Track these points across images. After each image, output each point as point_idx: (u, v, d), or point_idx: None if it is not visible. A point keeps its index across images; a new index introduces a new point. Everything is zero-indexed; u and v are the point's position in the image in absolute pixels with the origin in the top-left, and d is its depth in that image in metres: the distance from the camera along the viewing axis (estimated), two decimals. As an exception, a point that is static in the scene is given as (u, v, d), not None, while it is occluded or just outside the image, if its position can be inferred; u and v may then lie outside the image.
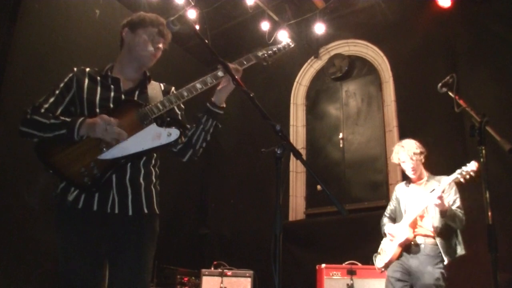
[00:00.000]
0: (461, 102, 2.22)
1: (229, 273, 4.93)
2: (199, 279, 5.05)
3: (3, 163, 4.28)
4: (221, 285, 4.84)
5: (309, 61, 6.77)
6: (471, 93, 4.64)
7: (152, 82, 2.51)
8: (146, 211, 2.14)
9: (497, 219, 1.86)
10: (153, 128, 2.11)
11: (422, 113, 5.37)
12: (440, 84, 2.42)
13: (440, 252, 3.21)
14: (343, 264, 4.50)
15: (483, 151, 1.94)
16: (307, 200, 6.27)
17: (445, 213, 3.17)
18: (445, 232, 3.25)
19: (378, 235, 5.14)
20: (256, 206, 6.08)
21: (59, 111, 2.10)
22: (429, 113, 5.25)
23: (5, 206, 4.21)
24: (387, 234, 3.50)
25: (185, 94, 2.29)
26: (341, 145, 6.12)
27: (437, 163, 5.03)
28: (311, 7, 6.14)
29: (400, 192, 3.62)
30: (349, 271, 4.37)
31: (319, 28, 6.11)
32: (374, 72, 6.15)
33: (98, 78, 2.30)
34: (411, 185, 3.59)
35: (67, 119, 1.99)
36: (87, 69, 2.36)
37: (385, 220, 3.69)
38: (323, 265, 4.47)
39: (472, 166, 3.12)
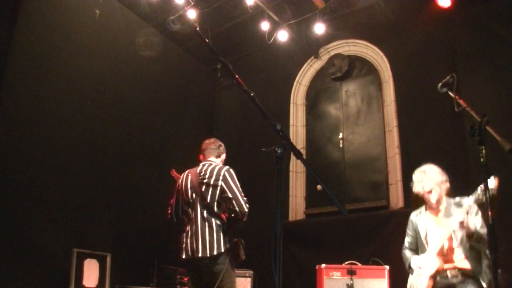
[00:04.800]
0: (461, 102, 2.22)
1: (229, 273, 4.93)
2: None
3: (3, 163, 4.28)
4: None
5: (309, 61, 6.77)
6: (471, 93, 4.65)
7: None
8: None
9: (497, 219, 1.86)
10: None
11: (422, 113, 5.37)
12: (440, 84, 2.42)
13: (474, 285, 2.99)
14: (343, 264, 4.50)
15: (483, 151, 1.94)
16: (307, 200, 6.27)
17: (472, 236, 2.94)
18: (476, 255, 3.01)
19: (378, 235, 5.15)
20: (256, 206, 6.07)
21: None
22: (429, 113, 5.25)
23: (5, 206, 4.21)
24: (414, 268, 3.23)
25: None
26: (341, 145, 6.12)
27: (436, 163, 5.04)
28: (311, 7, 6.14)
29: (416, 222, 3.35)
30: (349, 271, 4.37)
31: (319, 28, 6.11)
32: (374, 72, 6.15)
33: None
34: (430, 213, 3.31)
35: None
36: None
37: (407, 253, 3.37)
38: (323, 265, 4.47)
39: (492, 183, 2.76)
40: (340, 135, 6.16)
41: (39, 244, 4.37)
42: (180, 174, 3.85)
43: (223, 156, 3.72)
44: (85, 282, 4.58)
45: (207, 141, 3.72)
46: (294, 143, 6.16)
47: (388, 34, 5.95)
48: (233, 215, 3.32)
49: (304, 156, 6.17)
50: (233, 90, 7.21)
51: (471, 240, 2.94)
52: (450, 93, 2.35)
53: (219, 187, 3.33)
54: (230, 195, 3.29)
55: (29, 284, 4.29)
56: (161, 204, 4.68)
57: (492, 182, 2.78)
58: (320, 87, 6.68)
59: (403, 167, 5.40)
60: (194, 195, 3.42)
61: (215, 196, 3.33)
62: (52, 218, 4.59)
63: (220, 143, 3.73)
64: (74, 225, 4.77)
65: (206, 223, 3.29)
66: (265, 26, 6.13)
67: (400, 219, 4.94)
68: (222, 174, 3.37)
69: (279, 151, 1.85)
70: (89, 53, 5.29)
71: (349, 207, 5.60)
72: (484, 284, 2.94)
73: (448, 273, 3.05)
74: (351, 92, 6.31)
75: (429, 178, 3.21)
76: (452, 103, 2.25)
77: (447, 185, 3.24)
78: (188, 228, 3.39)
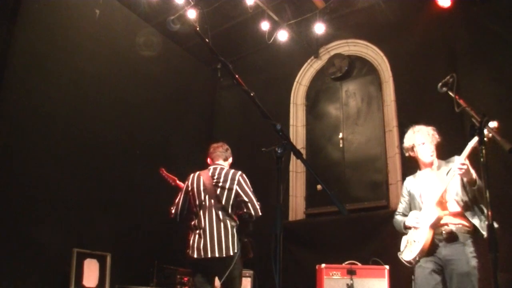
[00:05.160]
0: (461, 102, 2.23)
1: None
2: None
3: (3, 162, 4.28)
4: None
5: (309, 61, 6.77)
6: (471, 93, 4.65)
7: None
8: None
9: (497, 219, 1.86)
10: None
11: (422, 113, 5.36)
12: (440, 84, 2.42)
13: (471, 239, 2.94)
14: (343, 264, 4.50)
15: (483, 151, 1.94)
16: (307, 200, 6.27)
17: (474, 183, 2.88)
18: (475, 207, 2.98)
19: (378, 235, 5.15)
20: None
21: None
22: (429, 113, 5.25)
23: (5, 206, 4.21)
24: (411, 224, 3.16)
25: None
26: (341, 145, 6.12)
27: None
28: (311, 7, 6.14)
29: (411, 185, 3.36)
30: (349, 271, 4.37)
31: (319, 28, 6.11)
32: (374, 72, 6.15)
33: None
34: (423, 171, 3.32)
35: None
36: None
37: (399, 217, 3.37)
38: (323, 265, 4.47)
39: (492, 124, 2.52)
40: (340, 135, 6.16)
41: (39, 244, 4.37)
42: (170, 174, 4.08)
43: (230, 160, 3.87)
44: (85, 282, 4.58)
45: (215, 145, 3.86)
46: (294, 143, 6.15)
47: (388, 34, 5.95)
48: (246, 217, 3.49)
49: (304, 156, 6.17)
50: (233, 90, 7.21)
51: (474, 186, 2.89)
52: (450, 93, 2.35)
53: (234, 191, 3.52)
54: (246, 199, 3.48)
55: (29, 284, 4.30)
56: (161, 204, 4.68)
57: (492, 124, 2.57)
58: (320, 87, 6.68)
59: (403, 167, 5.39)
60: (207, 197, 3.53)
61: (230, 199, 3.50)
62: (52, 218, 4.59)
63: (227, 146, 3.86)
64: (74, 225, 4.77)
65: (222, 224, 3.43)
66: (265, 26, 6.13)
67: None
68: (236, 178, 3.56)
69: (279, 151, 1.85)
70: (89, 53, 5.29)
71: (349, 207, 5.60)
72: (484, 234, 2.88)
73: (448, 221, 3.00)
74: (351, 92, 6.31)
75: (421, 133, 3.27)
76: (452, 103, 2.25)
77: (439, 139, 3.30)
78: (198, 228, 3.46)
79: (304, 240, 5.76)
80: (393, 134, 5.62)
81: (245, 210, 3.49)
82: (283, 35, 6.28)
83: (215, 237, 3.38)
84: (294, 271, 5.53)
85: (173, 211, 3.68)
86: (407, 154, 3.43)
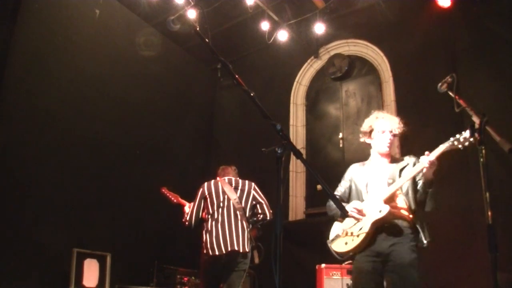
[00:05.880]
0: (461, 102, 2.23)
1: (229, 273, 4.92)
2: (199, 279, 5.05)
3: (3, 162, 4.28)
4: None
5: (309, 61, 6.77)
6: (471, 93, 4.64)
7: None
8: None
9: (497, 219, 1.86)
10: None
11: (422, 113, 5.36)
12: (440, 84, 2.42)
13: (412, 235, 2.78)
14: (343, 264, 4.49)
15: (483, 151, 1.94)
16: (307, 200, 6.27)
17: (431, 185, 2.75)
18: (421, 213, 2.84)
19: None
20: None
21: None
22: (429, 113, 5.25)
23: (6, 206, 4.21)
24: (353, 212, 2.87)
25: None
26: (341, 145, 6.12)
27: (437, 163, 5.04)
28: (311, 7, 6.14)
29: (356, 172, 3.14)
30: (349, 271, 4.37)
31: (319, 28, 6.11)
32: (374, 72, 6.15)
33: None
34: (376, 160, 3.11)
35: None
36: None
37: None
38: (323, 265, 4.47)
39: (467, 133, 2.50)
40: (340, 135, 6.16)
41: (39, 244, 4.37)
42: (172, 192, 4.41)
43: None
44: (85, 282, 4.58)
45: (223, 166, 4.20)
46: (294, 143, 6.15)
47: (388, 34, 5.95)
48: (260, 218, 3.91)
49: (304, 156, 6.17)
50: (233, 90, 7.20)
51: (431, 188, 2.76)
52: (450, 93, 2.35)
53: (251, 195, 3.94)
54: (261, 200, 3.97)
55: (29, 284, 4.30)
56: (161, 204, 4.69)
57: (468, 132, 2.42)
58: (320, 87, 6.68)
59: (403, 167, 5.39)
60: (226, 198, 3.82)
61: (248, 201, 3.91)
62: (52, 218, 4.59)
63: (235, 167, 4.23)
64: (74, 225, 4.77)
65: (239, 223, 3.73)
66: (265, 26, 6.13)
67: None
68: (253, 186, 4.02)
69: (279, 151, 1.85)
70: (89, 53, 5.29)
71: (349, 207, 5.59)
72: (425, 242, 2.74)
73: (393, 217, 2.80)
74: (351, 92, 6.31)
75: (384, 120, 3.09)
76: (452, 103, 2.25)
77: (401, 132, 3.13)
78: (217, 227, 3.67)
79: (304, 240, 5.76)
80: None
81: (260, 211, 3.91)
82: (283, 35, 6.28)
83: (233, 233, 3.65)
84: (294, 271, 5.52)
85: (187, 219, 3.87)
86: (362, 139, 3.21)
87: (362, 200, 2.95)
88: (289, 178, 6.28)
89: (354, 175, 3.15)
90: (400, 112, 5.68)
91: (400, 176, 2.89)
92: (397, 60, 5.81)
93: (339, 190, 3.20)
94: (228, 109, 7.37)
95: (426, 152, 2.75)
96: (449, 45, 5.31)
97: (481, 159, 1.94)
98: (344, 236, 2.93)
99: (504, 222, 3.74)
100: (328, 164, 6.17)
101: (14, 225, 4.25)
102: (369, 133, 3.12)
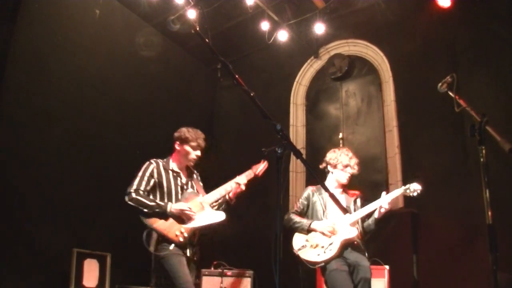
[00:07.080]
0: (461, 102, 2.23)
1: (229, 273, 4.92)
2: (199, 279, 5.05)
3: (3, 162, 4.28)
4: (221, 285, 4.83)
5: (309, 61, 6.77)
6: (471, 93, 4.64)
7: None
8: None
9: (497, 219, 1.86)
10: (209, 210, 3.48)
11: (422, 113, 5.37)
12: (440, 84, 2.42)
13: (364, 249, 3.70)
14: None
15: (483, 151, 1.94)
16: (307, 200, 6.26)
17: (377, 224, 3.67)
18: (368, 237, 3.81)
19: (377, 235, 5.14)
20: (256, 206, 6.08)
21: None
22: (429, 113, 5.25)
23: (5, 206, 4.21)
24: (323, 230, 3.64)
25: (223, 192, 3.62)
26: (341, 145, 6.12)
27: (436, 162, 5.04)
28: (311, 7, 6.14)
29: (315, 197, 3.89)
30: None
31: (319, 28, 6.11)
32: (374, 72, 6.15)
33: (170, 171, 3.66)
34: (331, 188, 3.85)
35: (161, 202, 3.44)
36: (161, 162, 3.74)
37: (295, 217, 3.83)
38: (323, 265, 4.47)
39: (417, 186, 3.63)
40: (340, 135, 6.16)
41: (39, 244, 4.37)
42: None
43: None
44: (85, 282, 4.58)
45: None
46: (294, 143, 6.15)
47: (388, 34, 5.95)
48: None
49: (304, 156, 6.16)
50: (233, 90, 7.20)
51: (374, 226, 3.71)
52: (450, 93, 2.35)
53: None
54: None
55: (29, 284, 4.29)
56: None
57: (418, 186, 3.63)
58: (320, 87, 6.68)
59: (403, 167, 5.40)
60: None
61: None
62: (52, 218, 4.59)
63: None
64: (74, 225, 4.77)
65: None
66: (265, 26, 6.13)
67: (400, 219, 4.95)
68: None
69: (279, 151, 1.85)
70: (89, 53, 5.29)
71: (349, 207, 5.59)
72: (366, 254, 3.67)
73: (357, 240, 3.65)
74: (351, 92, 6.31)
75: (353, 160, 3.88)
76: (452, 103, 2.25)
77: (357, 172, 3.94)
78: None
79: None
80: (393, 134, 5.62)
81: None
82: (283, 35, 6.28)
83: None
84: (294, 271, 5.52)
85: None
86: (322, 166, 4.07)
87: (321, 220, 3.74)
88: (289, 178, 6.28)
89: (312, 201, 3.90)
90: (400, 112, 5.69)
91: (355, 205, 3.86)
92: (397, 60, 5.81)
93: (299, 208, 3.93)
94: (228, 109, 7.37)
95: (384, 193, 3.68)
96: (449, 45, 5.31)
97: (481, 159, 1.94)
98: (315, 247, 3.66)
99: (504, 222, 3.74)
100: (328, 164, 6.16)
101: (14, 225, 4.24)
102: (344, 167, 3.85)
